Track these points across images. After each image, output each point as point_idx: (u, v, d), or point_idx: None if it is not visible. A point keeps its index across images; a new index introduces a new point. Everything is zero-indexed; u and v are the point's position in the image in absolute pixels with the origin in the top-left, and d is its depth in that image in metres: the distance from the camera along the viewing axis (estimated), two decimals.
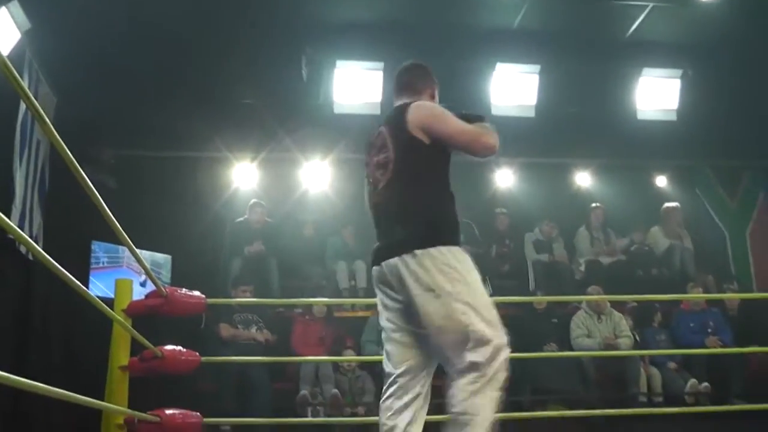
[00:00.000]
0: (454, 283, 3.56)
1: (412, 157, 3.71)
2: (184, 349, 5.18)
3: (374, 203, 3.85)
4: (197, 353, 5.29)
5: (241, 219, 9.87)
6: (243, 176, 10.15)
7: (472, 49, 9.21)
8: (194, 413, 5.11)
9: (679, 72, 9.66)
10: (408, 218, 3.69)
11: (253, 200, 9.88)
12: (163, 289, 4.90)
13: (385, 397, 3.72)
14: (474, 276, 3.65)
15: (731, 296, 9.72)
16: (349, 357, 8.27)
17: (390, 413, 3.66)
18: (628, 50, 9.51)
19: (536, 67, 9.49)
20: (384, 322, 3.79)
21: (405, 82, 4.06)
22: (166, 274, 8.95)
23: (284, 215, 10.29)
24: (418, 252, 3.56)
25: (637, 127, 9.82)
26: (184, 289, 5.18)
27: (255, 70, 8.99)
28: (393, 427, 3.62)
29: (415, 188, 3.71)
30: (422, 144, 3.70)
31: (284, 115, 9.54)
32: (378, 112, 9.26)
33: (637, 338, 9.09)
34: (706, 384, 8.66)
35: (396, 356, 3.74)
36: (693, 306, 9.49)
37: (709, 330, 9.24)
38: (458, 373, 3.60)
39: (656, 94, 9.69)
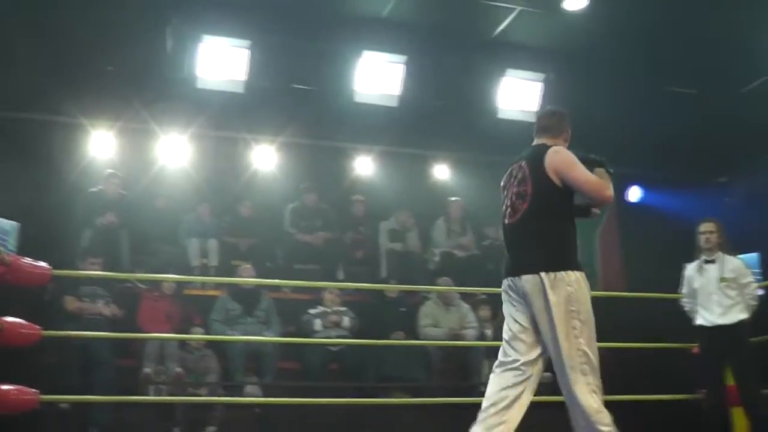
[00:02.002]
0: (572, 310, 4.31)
1: (544, 195, 4.41)
2: (25, 322, 5.02)
3: (510, 225, 4.54)
4: (38, 326, 5.14)
5: (95, 189, 9.58)
6: (100, 145, 9.81)
7: (339, 34, 9.18)
8: (31, 390, 4.97)
9: (541, 76, 9.87)
10: (539, 242, 4.40)
11: (109, 170, 9.60)
12: (6, 257, 4.73)
13: (502, 369, 4.47)
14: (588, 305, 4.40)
15: None
16: (197, 336, 8.19)
17: (506, 386, 4.44)
18: (493, 50, 9.66)
19: (403, 58, 9.49)
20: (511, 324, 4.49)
21: (545, 126, 4.80)
22: (12, 242, 8.60)
23: (140, 188, 10.03)
24: (542, 274, 4.28)
25: (498, 125, 9.97)
26: (29, 259, 5.02)
27: (118, 36, 8.72)
28: (505, 397, 4.39)
29: (546, 221, 4.41)
30: (554, 185, 4.40)
31: (144, 86, 9.30)
32: (242, 90, 9.17)
33: (487, 330, 9.27)
34: (548, 374, 8.92)
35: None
36: None
37: None
38: None
39: (518, 95, 9.87)
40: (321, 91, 9.73)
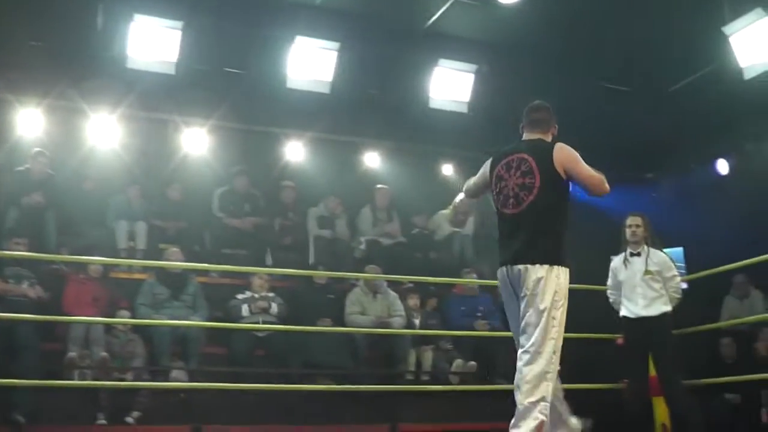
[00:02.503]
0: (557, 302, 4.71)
1: (552, 187, 4.77)
2: None
3: (514, 215, 4.82)
4: None
5: (22, 168, 9.38)
6: (27, 123, 9.58)
7: (273, 19, 9.16)
8: None
9: (474, 67, 9.96)
10: (542, 235, 4.76)
11: (36, 149, 9.42)
12: None
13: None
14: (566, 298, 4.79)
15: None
16: (123, 319, 8.10)
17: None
18: (426, 40, 9.74)
19: (336, 45, 9.49)
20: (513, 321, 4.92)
21: (536, 119, 5.11)
22: None
23: (68, 168, 9.85)
24: (539, 266, 4.67)
25: (429, 115, 10.07)
26: None
27: (48, 11, 8.59)
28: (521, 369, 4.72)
29: (550, 214, 4.78)
30: (560, 178, 4.78)
31: (74, 63, 9.15)
32: (173, 71, 9.09)
33: (415, 320, 9.36)
34: (472, 363, 9.07)
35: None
36: (466, 291, 9.88)
37: (479, 314, 9.65)
38: None
39: (450, 85, 9.96)
40: (253, 75, 9.72)
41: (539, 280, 4.66)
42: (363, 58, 9.72)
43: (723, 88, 9.72)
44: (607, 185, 4.88)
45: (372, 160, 11.12)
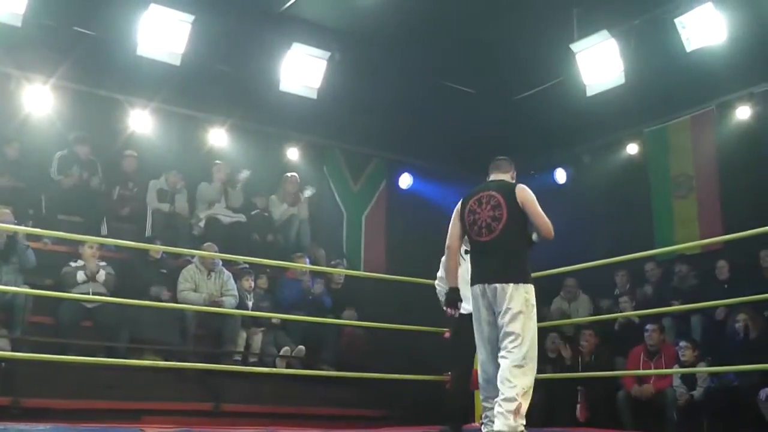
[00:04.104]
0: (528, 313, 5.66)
1: (516, 219, 5.73)
2: None
3: (486, 242, 5.80)
4: None
5: None
6: None
7: None
8: None
9: (327, 54, 9.99)
10: (511, 258, 5.75)
11: None
12: None
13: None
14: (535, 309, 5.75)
15: (335, 270, 10.34)
16: None
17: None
18: (282, 22, 9.75)
19: (191, 17, 9.29)
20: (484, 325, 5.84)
21: (500, 165, 6.14)
22: None
23: None
24: (510, 284, 5.63)
25: (278, 97, 10.05)
26: None
27: None
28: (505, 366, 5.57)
29: (515, 241, 5.75)
30: (522, 212, 5.74)
31: None
32: (18, 23, 8.62)
33: (248, 301, 9.41)
34: (301, 347, 9.16)
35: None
36: (298, 274, 9.96)
37: (311, 297, 9.82)
38: None
39: (302, 70, 9.94)
40: (103, 38, 9.52)
41: (511, 295, 5.60)
42: (217, 34, 9.63)
43: (566, 102, 10.17)
44: (552, 232, 5.73)
45: (218, 137, 10.99)
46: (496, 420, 5.47)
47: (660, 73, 9.63)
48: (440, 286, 7.55)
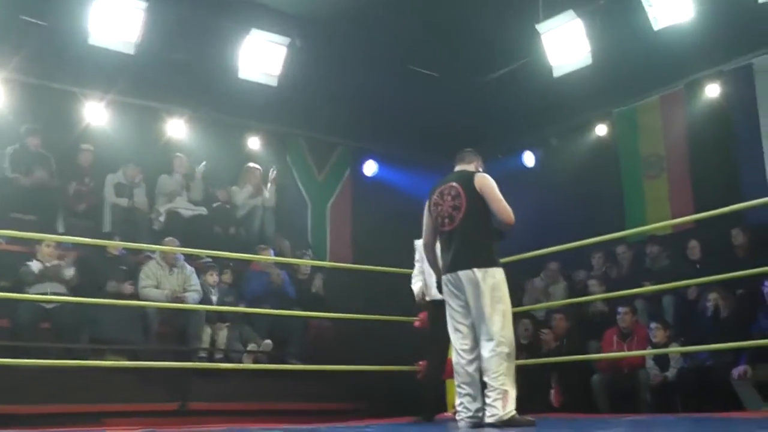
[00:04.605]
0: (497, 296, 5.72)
1: (475, 206, 5.81)
2: None
3: (449, 230, 5.89)
4: None
5: None
6: None
7: None
8: None
9: (287, 40, 9.73)
10: (473, 245, 5.82)
11: None
12: None
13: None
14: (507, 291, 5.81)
15: (301, 262, 10.18)
16: None
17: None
18: (240, 7, 9.49)
19: (143, 4, 8.95)
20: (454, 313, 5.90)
21: (464, 157, 6.23)
22: None
23: None
24: (475, 270, 5.70)
25: (237, 86, 9.78)
26: None
27: None
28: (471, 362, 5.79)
29: (477, 228, 5.82)
30: (482, 200, 5.81)
31: None
32: None
33: (212, 296, 9.20)
34: (267, 341, 8.98)
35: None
36: (263, 267, 9.77)
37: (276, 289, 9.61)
38: None
39: (261, 57, 9.67)
40: (53, 27, 9.23)
41: (477, 281, 5.67)
42: (172, 21, 9.31)
43: (533, 83, 10.05)
44: (512, 216, 5.76)
45: (176, 127, 10.73)
46: (486, 411, 5.56)
47: (628, 53, 9.51)
48: (414, 284, 7.46)
